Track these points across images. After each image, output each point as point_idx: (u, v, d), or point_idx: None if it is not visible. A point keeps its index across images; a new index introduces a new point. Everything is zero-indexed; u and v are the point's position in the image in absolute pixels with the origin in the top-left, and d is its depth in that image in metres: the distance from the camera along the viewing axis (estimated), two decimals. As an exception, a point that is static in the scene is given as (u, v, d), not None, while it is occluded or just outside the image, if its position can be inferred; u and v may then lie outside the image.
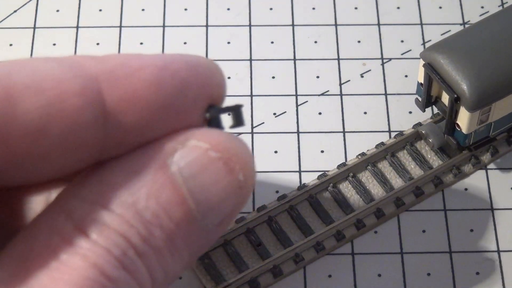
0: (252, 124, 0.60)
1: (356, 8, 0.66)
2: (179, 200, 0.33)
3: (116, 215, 0.31)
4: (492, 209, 0.57)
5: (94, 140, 0.32)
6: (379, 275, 0.54)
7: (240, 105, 0.35)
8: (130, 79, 0.32)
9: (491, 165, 0.58)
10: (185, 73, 0.33)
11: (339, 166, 0.58)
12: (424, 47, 0.63)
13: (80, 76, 0.31)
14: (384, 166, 0.58)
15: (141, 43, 0.64)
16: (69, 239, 0.31)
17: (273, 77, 0.63)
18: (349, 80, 0.62)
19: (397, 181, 0.57)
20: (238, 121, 0.35)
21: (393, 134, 0.59)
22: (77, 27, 0.65)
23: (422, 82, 0.55)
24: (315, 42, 0.64)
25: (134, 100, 0.32)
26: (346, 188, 0.57)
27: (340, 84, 0.62)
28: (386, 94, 0.62)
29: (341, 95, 0.62)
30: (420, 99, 0.56)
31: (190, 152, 0.33)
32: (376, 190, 0.57)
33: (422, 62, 0.54)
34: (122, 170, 0.33)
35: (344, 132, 0.60)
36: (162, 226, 0.32)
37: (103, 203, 0.32)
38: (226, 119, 0.35)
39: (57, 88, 0.31)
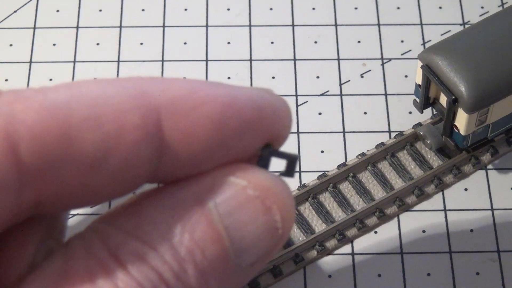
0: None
1: (356, 8, 0.66)
2: (214, 237, 0.31)
3: (150, 249, 0.31)
4: (492, 209, 0.57)
5: (146, 172, 0.31)
6: (379, 275, 0.54)
7: (296, 156, 0.34)
8: (192, 113, 0.31)
9: (491, 166, 0.59)
10: (249, 113, 0.32)
11: (339, 166, 0.58)
12: (424, 47, 0.63)
13: (142, 106, 0.30)
14: (384, 166, 0.58)
15: (141, 43, 0.64)
16: (105, 266, 0.30)
17: (273, 77, 0.63)
18: (349, 80, 0.62)
19: (397, 181, 0.57)
20: (289, 171, 0.34)
21: (393, 134, 0.60)
22: (77, 27, 0.65)
23: (420, 84, 0.55)
24: (315, 42, 0.64)
25: (193, 135, 0.31)
26: (346, 188, 0.57)
27: (340, 84, 0.62)
28: (386, 94, 0.62)
29: (341, 95, 0.62)
30: (418, 100, 0.56)
31: (227, 189, 0.32)
32: (376, 190, 0.57)
33: (420, 63, 0.54)
34: (159, 202, 0.32)
35: (344, 132, 0.60)
36: (195, 263, 0.31)
37: (139, 235, 0.31)
38: (277, 163, 0.34)
39: (117, 122, 0.30)
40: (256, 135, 0.33)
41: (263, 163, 0.33)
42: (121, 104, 0.30)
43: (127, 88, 0.31)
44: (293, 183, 0.57)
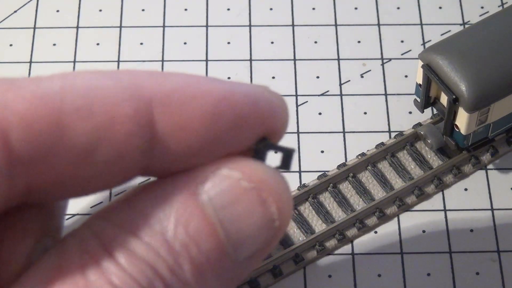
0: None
1: (356, 8, 0.66)
2: (209, 231, 0.31)
3: (144, 243, 0.30)
4: (492, 209, 0.57)
5: (138, 164, 0.31)
6: (379, 275, 0.54)
7: (293, 149, 0.34)
8: (185, 107, 0.31)
9: (491, 165, 0.59)
10: (243, 107, 0.32)
11: (339, 166, 0.58)
12: (424, 47, 0.63)
13: (134, 98, 0.30)
14: (384, 166, 0.58)
15: (141, 43, 0.64)
16: (98, 260, 0.30)
17: (273, 77, 0.63)
18: (349, 80, 0.62)
19: (397, 181, 0.57)
20: (285, 164, 0.34)
21: (393, 134, 0.59)
22: (77, 27, 0.65)
23: (421, 83, 0.55)
24: (315, 42, 0.64)
25: (185, 129, 0.31)
26: (346, 188, 0.57)
27: (340, 84, 0.62)
28: (386, 94, 0.62)
29: (341, 95, 0.62)
30: (418, 100, 0.56)
31: (221, 182, 0.32)
32: (376, 190, 0.57)
33: (420, 63, 0.54)
34: (152, 196, 0.32)
35: (344, 132, 0.60)
36: (191, 258, 0.31)
37: (132, 229, 0.31)
38: (274, 157, 0.34)
39: (109, 112, 0.30)
40: (251, 130, 0.32)
41: (259, 157, 0.33)
42: (114, 96, 0.30)
43: (121, 80, 0.31)
44: (293, 183, 0.57)
